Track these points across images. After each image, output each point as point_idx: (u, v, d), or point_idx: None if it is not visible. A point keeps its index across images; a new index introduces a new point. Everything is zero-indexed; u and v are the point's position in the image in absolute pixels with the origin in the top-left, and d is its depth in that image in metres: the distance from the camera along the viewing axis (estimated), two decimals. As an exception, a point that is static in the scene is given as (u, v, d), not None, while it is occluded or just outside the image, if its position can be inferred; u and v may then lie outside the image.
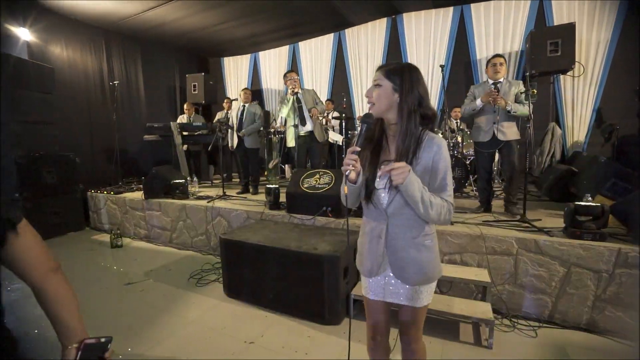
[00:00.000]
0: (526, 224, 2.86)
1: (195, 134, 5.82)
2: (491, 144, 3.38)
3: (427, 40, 5.91)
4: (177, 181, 4.67)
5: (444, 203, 1.21)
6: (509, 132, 3.29)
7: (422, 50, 5.98)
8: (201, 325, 2.58)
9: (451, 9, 5.68)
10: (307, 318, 2.60)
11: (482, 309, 2.34)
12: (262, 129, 5.81)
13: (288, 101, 4.26)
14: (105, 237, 4.76)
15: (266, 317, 2.67)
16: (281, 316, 2.67)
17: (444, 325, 2.45)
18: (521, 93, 3.17)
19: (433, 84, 5.91)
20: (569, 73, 4.89)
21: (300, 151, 4.39)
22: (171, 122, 5.58)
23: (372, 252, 1.35)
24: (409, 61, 6.12)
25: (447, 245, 2.83)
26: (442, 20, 5.77)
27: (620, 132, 4.44)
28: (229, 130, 5.03)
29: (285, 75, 4.41)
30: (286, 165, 6.63)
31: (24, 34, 4.98)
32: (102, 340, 0.80)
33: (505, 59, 3.44)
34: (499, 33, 5.42)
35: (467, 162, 4.81)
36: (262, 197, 4.46)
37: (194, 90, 7.12)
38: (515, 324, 2.47)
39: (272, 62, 7.70)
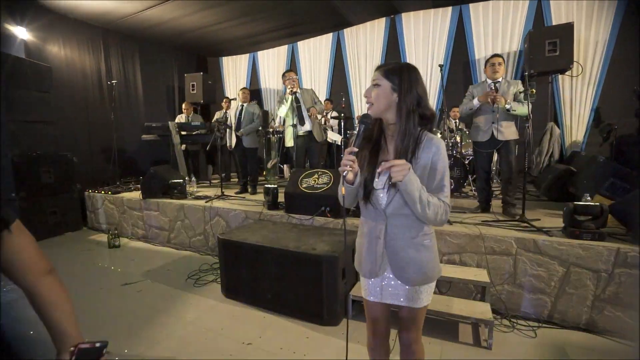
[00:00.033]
0: (525, 224, 2.86)
1: (193, 133, 5.80)
2: (490, 144, 3.37)
3: (425, 40, 5.91)
4: (175, 181, 4.65)
5: (440, 204, 1.21)
6: (508, 131, 3.29)
7: (421, 50, 5.97)
8: (199, 326, 2.56)
9: (450, 8, 5.68)
10: (305, 319, 2.59)
11: (482, 309, 2.33)
12: (260, 128, 5.80)
13: (286, 101, 4.24)
14: (103, 237, 4.73)
15: (264, 318, 2.66)
16: (279, 317, 2.66)
17: (443, 326, 2.44)
18: (520, 93, 3.17)
19: (432, 84, 5.91)
20: (567, 73, 4.90)
21: (299, 151, 4.38)
22: (169, 122, 5.56)
23: (371, 253, 1.34)
24: (408, 61, 6.12)
25: (446, 246, 2.82)
26: (440, 20, 5.76)
27: (618, 132, 4.44)
28: (227, 129, 5.01)
29: (284, 75, 4.39)
30: (285, 165, 6.61)
31: (21, 32, 4.95)
32: (97, 345, 0.78)
33: (503, 59, 3.43)
34: (498, 33, 5.42)
35: (466, 162, 4.80)
36: (260, 197, 4.45)
37: (193, 90, 7.09)
38: (515, 324, 2.47)
39: (271, 61, 7.69)
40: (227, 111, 5.18)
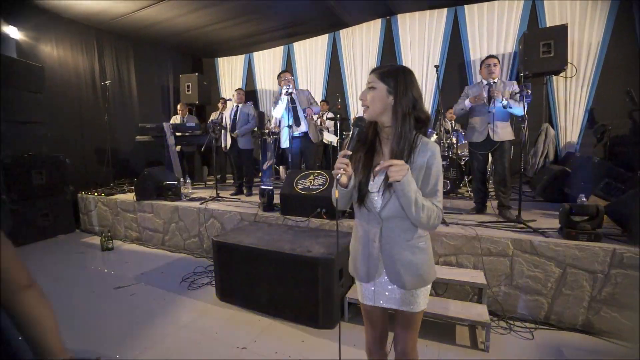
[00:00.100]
0: (521, 225, 2.85)
1: (187, 134, 5.74)
2: (485, 145, 3.37)
3: (421, 41, 5.92)
4: (170, 182, 4.60)
5: (434, 208, 1.20)
6: (503, 132, 3.28)
7: (417, 51, 5.98)
8: (193, 330, 2.52)
9: (445, 10, 5.69)
10: (301, 322, 2.56)
11: (478, 311, 2.32)
12: (256, 129, 5.77)
13: (282, 101, 4.22)
14: (96, 240, 4.67)
15: (259, 321, 2.62)
16: (275, 320, 2.63)
17: (440, 328, 2.42)
18: (515, 93, 3.16)
19: (428, 85, 5.91)
20: (561, 74, 4.93)
21: (295, 152, 4.35)
22: (164, 123, 5.50)
23: (366, 257, 1.33)
24: (404, 62, 6.15)
25: (442, 247, 2.81)
26: (436, 21, 5.77)
27: (612, 133, 4.47)
28: (222, 130, 4.97)
29: (279, 76, 4.37)
30: (280, 167, 6.58)
31: (12, 32, 4.88)
32: None
33: (499, 60, 3.44)
34: (493, 34, 5.44)
35: (462, 163, 4.81)
36: (256, 198, 4.41)
37: (188, 91, 7.05)
38: (512, 325, 2.46)
39: (267, 62, 7.66)
40: (223, 112, 5.15)
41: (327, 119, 5.98)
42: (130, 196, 4.87)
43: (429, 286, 1.33)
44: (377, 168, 1.19)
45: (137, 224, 4.69)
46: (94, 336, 2.48)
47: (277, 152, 6.17)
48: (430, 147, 1.22)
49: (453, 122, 5.58)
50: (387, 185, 1.20)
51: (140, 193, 4.65)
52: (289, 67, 7.27)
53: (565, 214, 2.53)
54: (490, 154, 3.50)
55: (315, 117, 4.51)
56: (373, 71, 1.26)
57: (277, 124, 5.61)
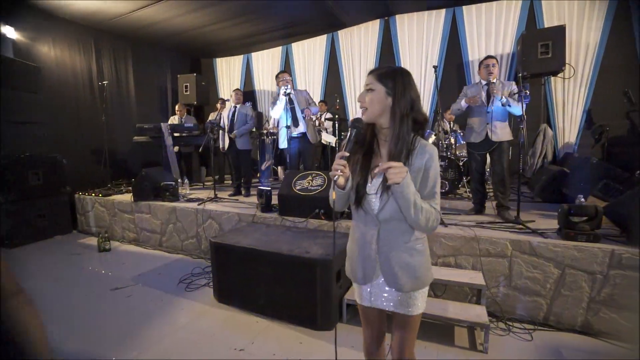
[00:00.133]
0: (520, 226, 2.85)
1: (184, 134, 5.72)
2: (484, 145, 3.36)
3: (419, 42, 5.92)
4: (167, 183, 4.58)
5: (432, 210, 1.20)
6: (502, 132, 3.28)
7: (415, 52, 5.98)
8: (190, 332, 2.50)
9: (443, 11, 5.70)
10: (299, 323, 2.54)
11: (477, 313, 2.31)
12: (254, 130, 5.75)
13: (280, 102, 4.20)
14: (93, 241, 4.64)
15: (257, 323, 2.61)
16: (272, 322, 2.61)
17: (439, 330, 2.41)
18: (514, 94, 3.16)
19: (426, 86, 5.91)
20: (559, 75, 4.94)
21: (293, 153, 4.33)
22: (161, 123, 5.48)
23: (363, 259, 1.32)
24: (402, 62, 6.14)
25: (441, 248, 2.80)
26: (434, 22, 5.78)
27: (610, 133, 4.48)
28: (220, 131, 4.96)
29: (277, 76, 4.35)
30: (279, 167, 6.56)
31: (9, 32, 4.85)
32: None
33: (497, 60, 3.44)
34: (491, 35, 5.45)
35: (461, 164, 4.80)
36: (254, 199, 4.39)
37: (186, 91, 7.03)
38: (511, 327, 2.45)
39: (265, 63, 7.65)
40: (221, 112, 5.13)
41: (325, 119, 5.97)
42: (127, 197, 4.84)
43: (427, 288, 1.32)
44: (376, 170, 1.19)
45: (135, 224, 4.66)
46: (90, 338, 2.46)
47: (275, 153, 6.16)
48: (428, 150, 1.21)
49: (451, 122, 5.58)
50: (385, 187, 1.20)
51: (138, 194, 4.63)
52: (287, 67, 7.26)
53: (564, 215, 2.53)
54: (488, 154, 3.50)
55: (313, 118, 4.50)
56: (371, 73, 1.25)
57: (276, 125, 5.60)
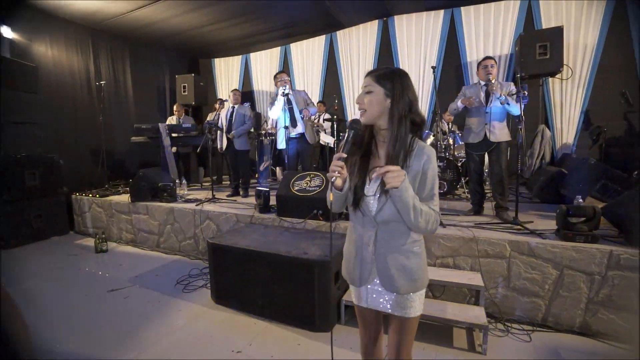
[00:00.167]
0: (518, 227, 2.84)
1: (182, 135, 5.70)
2: (482, 146, 3.36)
3: (418, 43, 5.92)
4: (165, 184, 4.56)
5: (432, 212, 1.20)
6: (500, 133, 3.28)
7: (413, 53, 5.98)
8: (187, 334, 2.49)
9: (442, 11, 5.69)
10: (297, 325, 2.53)
11: (476, 314, 2.30)
12: (252, 130, 5.73)
13: (278, 102, 4.19)
14: (90, 242, 4.61)
15: (255, 325, 2.59)
16: (270, 323, 2.60)
17: (438, 331, 2.40)
18: (512, 95, 3.16)
19: (424, 86, 5.91)
20: (557, 76, 4.94)
21: (291, 153, 4.32)
22: (159, 124, 5.46)
23: (360, 260, 1.31)
24: (400, 63, 6.13)
25: (439, 249, 2.79)
26: (433, 22, 5.78)
27: (607, 134, 4.49)
28: (218, 131, 4.94)
29: (275, 76, 4.34)
30: (277, 168, 6.55)
31: (6, 31, 4.82)
32: None
33: (495, 61, 3.44)
34: (489, 36, 5.45)
35: (459, 164, 4.80)
36: (252, 200, 4.38)
37: (184, 92, 7.01)
38: (509, 328, 2.44)
39: (264, 63, 7.63)
40: (219, 113, 5.12)
41: (324, 120, 5.96)
42: (125, 197, 4.82)
43: (423, 291, 1.31)
44: (374, 175, 1.19)
45: (132, 225, 4.64)
46: (87, 339, 2.44)
47: (273, 154, 6.14)
48: (426, 151, 1.21)
49: (450, 123, 5.58)
50: (383, 189, 1.19)
51: (135, 194, 4.61)
52: (285, 68, 7.24)
53: (562, 216, 2.53)
54: (487, 155, 3.50)
55: (312, 118, 4.49)
56: (369, 74, 1.25)
57: (274, 125, 5.58)
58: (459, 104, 3.40)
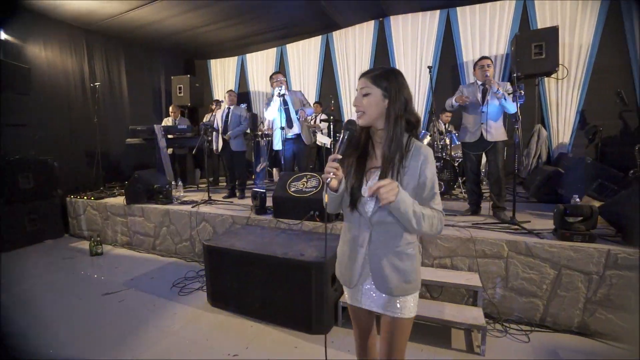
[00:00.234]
0: (516, 226, 2.84)
1: (178, 136, 5.66)
2: (478, 145, 3.35)
3: (414, 43, 5.92)
4: (160, 185, 4.52)
5: (434, 213, 1.18)
6: (497, 132, 3.27)
7: (410, 53, 5.98)
8: (183, 337, 2.46)
9: (438, 12, 5.70)
10: (294, 328, 2.50)
11: (474, 315, 2.29)
12: (248, 131, 5.70)
13: (274, 103, 4.17)
14: (85, 245, 4.55)
15: (251, 327, 2.57)
16: (267, 326, 2.57)
17: (436, 332, 2.39)
18: (509, 94, 3.15)
19: (421, 86, 5.91)
20: (553, 75, 4.96)
21: (287, 154, 4.30)
22: (155, 125, 5.42)
23: (353, 261, 1.30)
24: (397, 63, 6.12)
25: (437, 249, 2.78)
26: (428, 23, 5.78)
27: (603, 133, 4.51)
28: (214, 133, 4.91)
29: (271, 77, 4.32)
30: (274, 169, 6.52)
31: (-2, 33, 4.78)
32: None
33: (492, 61, 3.44)
34: (485, 36, 5.46)
35: (456, 164, 4.80)
36: (248, 201, 4.35)
37: (180, 93, 6.97)
38: (507, 328, 2.43)
39: (260, 64, 7.61)
40: (215, 114, 5.08)
41: (320, 120, 5.94)
42: (120, 200, 4.77)
43: (417, 293, 1.30)
44: (366, 195, 1.20)
45: (128, 228, 4.60)
46: (80, 344, 2.41)
47: (270, 155, 6.12)
48: (423, 151, 1.20)
49: (447, 123, 5.58)
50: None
51: (131, 196, 4.57)
52: (282, 68, 7.23)
53: (559, 215, 2.52)
54: (484, 155, 3.49)
55: (308, 119, 4.47)
56: (364, 75, 1.24)
57: (270, 126, 5.56)
58: (453, 101, 3.40)
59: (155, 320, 2.71)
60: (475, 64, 3.45)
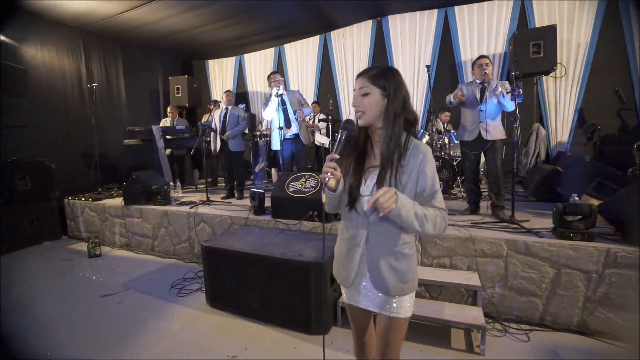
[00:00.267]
0: (515, 225, 2.83)
1: (175, 137, 5.64)
2: (477, 144, 3.35)
3: (412, 42, 5.91)
4: (158, 186, 4.50)
5: (437, 212, 1.17)
6: (495, 131, 3.26)
7: (408, 52, 5.97)
8: (181, 338, 2.44)
9: (435, 11, 5.70)
10: (293, 328, 2.49)
11: (473, 314, 2.28)
12: (247, 131, 5.69)
13: (272, 102, 4.16)
14: (83, 246, 4.54)
15: (250, 328, 2.56)
16: (266, 327, 2.56)
17: (435, 332, 2.38)
18: (507, 93, 3.15)
19: (419, 85, 5.90)
20: (551, 74, 4.95)
21: (286, 154, 4.29)
22: (152, 126, 5.40)
23: (351, 260, 1.29)
24: (395, 63, 6.10)
25: (436, 249, 2.77)
26: (426, 22, 5.78)
27: (601, 132, 4.51)
28: (212, 133, 4.90)
29: (269, 77, 4.31)
30: (272, 169, 6.51)
31: (-6, 34, 4.75)
32: None
33: (490, 60, 3.43)
34: (483, 35, 5.46)
35: (455, 164, 4.80)
36: (247, 202, 4.34)
37: (177, 93, 6.95)
38: (507, 328, 2.43)
39: (258, 64, 7.60)
40: (213, 114, 5.07)
41: (319, 120, 5.93)
42: (118, 201, 4.75)
43: (413, 293, 1.29)
44: (365, 208, 1.19)
45: (126, 229, 4.58)
46: (78, 345, 2.39)
47: (268, 155, 6.10)
48: (421, 150, 1.20)
49: (445, 123, 5.58)
50: (380, 187, 1.17)
51: (129, 198, 4.55)
52: (280, 68, 7.21)
53: (558, 214, 2.52)
54: (482, 153, 3.48)
55: (306, 119, 4.46)
56: (362, 75, 1.23)
57: (269, 126, 5.55)
58: (452, 98, 3.40)
59: (154, 321, 2.70)
60: (473, 63, 3.45)
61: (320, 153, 5.95)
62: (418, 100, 5.87)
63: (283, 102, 4.18)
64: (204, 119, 6.21)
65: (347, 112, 6.58)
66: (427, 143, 4.67)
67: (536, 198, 4.11)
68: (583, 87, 4.92)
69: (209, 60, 8.20)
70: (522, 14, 5.22)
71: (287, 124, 4.20)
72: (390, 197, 1.06)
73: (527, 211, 3.45)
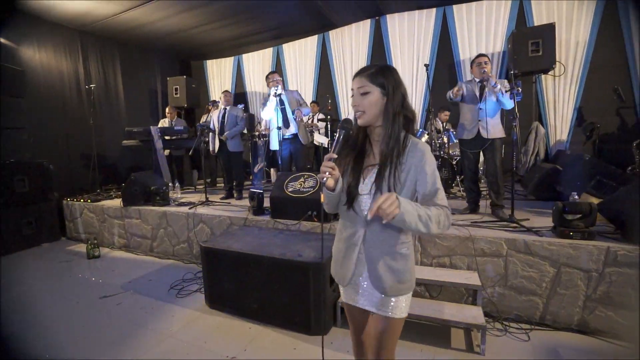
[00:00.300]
0: (514, 224, 2.83)
1: (174, 137, 5.63)
2: (476, 143, 3.34)
3: (410, 41, 5.91)
4: (157, 187, 4.49)
5: (440, 211, 1.15)
6: (494, 130, 3.25)
7: (406, 51, 5.96)
8: (181, 340, 2.43)
9: (434, 10, 5.69)
10: (292, 328, 2.48)
11: (473, 314, 2.27)
12: (245, 132, 5.68)
13: (270, 102, 4.15)
14: (82, 248, 4.53)
15: (250, 329, 2.55)
16: (265, 327, 2.55)
17: (435, 332, 2.38)
18: (507, 91, 3.14)
19: (418, 85, 5.89)
20: (550, 73, 4.95)
21: (285, 154, 4.28)
22: (151, 127, 5.39)
23: (348, 260, 1.29)
24: (394, 62, 6.09)
25: (435, 248, 2.76)
26: (425, 21, 5.77)
27: (600, 130, 4.51)
28: (211, 133, 4.88)
29: (267, 77, 4.30)
30: (271, 169, 6.50)
31: (-9, 35, 4.74)
32: None
33: (489, 58, 3.43)
34: (482, 34, 5.46)
35: (454, 163, 4.79)
36: (246, 202, 4.33)
37: (176, 94, 6.94)
38: (507, 327, 2.42)
39: (256, 64, 7.58)
40: (211, 115, 5.05)
41: (318, 120, 5.92)
42: (117, 202, 4.74)
43: (410, 294, 1.28)
44: (369, 217, 1.13)
45: (125, 230, 4.56)
46: (78, 347, 2.38)
47: (267, 155, 6.09)
48: (420, 148, 1.19)
49: (445, 122, 5.57)
50: (378, 187, 1.18)
51: (128, 199, 4.53)
52: (278, 68, 7.20)
53: (558, 213, 2.51)
54: (481, 152, 3.48)
55: (305, 119, 4.44)
56: (361, 74, 1.21)
57: (267, 126, 5.54)
58: (451, 94, 3.40)
59: (153, 322, 2.68)
60: (472, 62, 3.44)
61: (319, 153, 5.94)
62: (417, 100, 5.87)
63: (281, 102, 4.17)
64: (203, 119, 6.19)
65: (346, 111, 6.58)
66: (426, 142, 4.66)
67: (536, 197, 4.10)
68: (582, 85, 4.92)
69: (207, 61, 8.19)
70: (521, 13, 5.22)
71: (286, 123, 4.19)
72: (392, 202, 1.03)
73: (526, 210, 3.44)
